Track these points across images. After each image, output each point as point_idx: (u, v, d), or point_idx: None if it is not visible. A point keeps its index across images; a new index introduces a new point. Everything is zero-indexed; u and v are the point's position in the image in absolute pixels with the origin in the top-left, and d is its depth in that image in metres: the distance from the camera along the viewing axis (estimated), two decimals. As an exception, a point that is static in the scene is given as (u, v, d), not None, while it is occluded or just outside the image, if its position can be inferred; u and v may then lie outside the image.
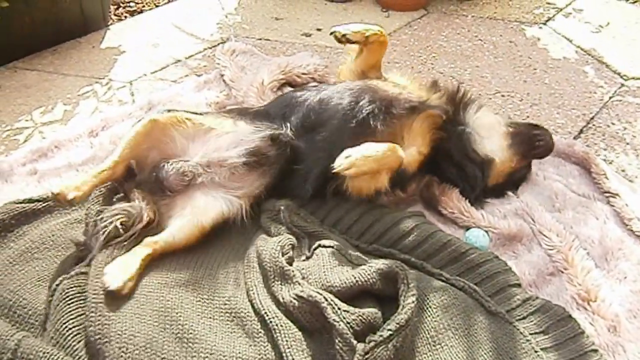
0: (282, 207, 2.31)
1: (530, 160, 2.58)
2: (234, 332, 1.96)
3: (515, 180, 2.57)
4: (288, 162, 2.34)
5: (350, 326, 1.83)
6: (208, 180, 2.28)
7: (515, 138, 2.49)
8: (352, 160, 2.16)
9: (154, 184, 2.30)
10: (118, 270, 1.99)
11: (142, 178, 2.33)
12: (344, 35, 2.49)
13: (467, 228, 2.39)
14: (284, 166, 2.35)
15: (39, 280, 2.11)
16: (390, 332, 1.80)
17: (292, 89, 3.10)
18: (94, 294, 1.90)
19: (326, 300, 1.87)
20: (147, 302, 1.97)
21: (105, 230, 2.09)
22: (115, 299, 1.93)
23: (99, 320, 1.84)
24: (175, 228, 2.22)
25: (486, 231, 2.34)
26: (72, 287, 1.95)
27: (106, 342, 1.81)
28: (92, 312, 1.86)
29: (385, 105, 2.33)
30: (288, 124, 2.37)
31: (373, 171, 2.23)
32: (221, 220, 2.28)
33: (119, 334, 1.83)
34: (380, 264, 1.99)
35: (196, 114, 2.39)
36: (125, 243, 2.13)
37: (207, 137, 2.32)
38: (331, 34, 2.50)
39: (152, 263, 2.12)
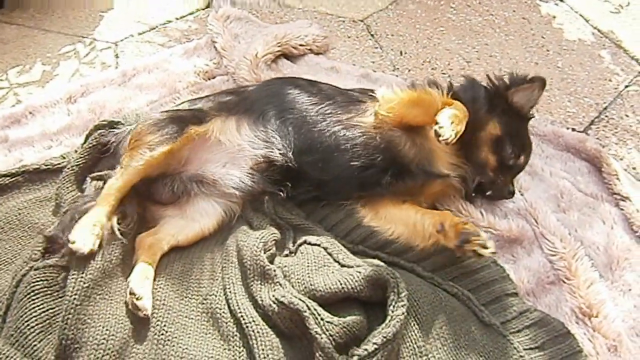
0: (267, 197, 2.15)
1: None
2: (209, 333, 1.83)
3: None
4: (284, 187, 2.15)
5: (334, 339, 1.69)
6: (201, 196, 2.15)
7: None
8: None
9: (140, 194, 2.13)
10: (143, 284, 1.86)
11: None
12: None
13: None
14: (281, 192, 2.16)
15: (1, 264, 1.97)
16: (375, 347, 1.67)
17: (287, 61, 2.92)
18: (75, 295, 1.74)
19: (309, 309, 1.74)
20: (125, 302, 1.84)
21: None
22: (94, 300, 1.78)
23: (74, 324, 1.70)
24: (177, 230, 2.09)
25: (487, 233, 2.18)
26: (39, 281, 1.80)
27: (77, 347, 1.69)
28: (69, 314, 1.71)
29: (400, 171, 2.10)
30: (288, 145, 2.12)
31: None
32: (221, 221, 2.15)
33: (92, 338, 1.70)
34: (369, 270, 1.84)
35: (201, 116, 2.16)
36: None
37: (208, 144, 2.14)
38: None
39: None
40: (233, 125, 2.15)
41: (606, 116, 2.84)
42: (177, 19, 3.31)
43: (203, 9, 3.37)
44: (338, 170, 2.09)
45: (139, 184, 2.06)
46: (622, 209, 2.31)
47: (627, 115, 2.85)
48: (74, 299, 1.74)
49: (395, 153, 2.10)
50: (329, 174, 2.10)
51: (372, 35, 3.26)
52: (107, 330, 1.73)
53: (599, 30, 3.41)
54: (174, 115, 2.16)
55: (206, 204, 2.13)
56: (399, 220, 2.07)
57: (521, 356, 1.83)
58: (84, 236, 1.84)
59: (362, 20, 3.36)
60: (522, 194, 2.35)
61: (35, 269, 1.83)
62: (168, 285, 1.93)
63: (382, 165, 2.08)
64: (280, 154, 2.10)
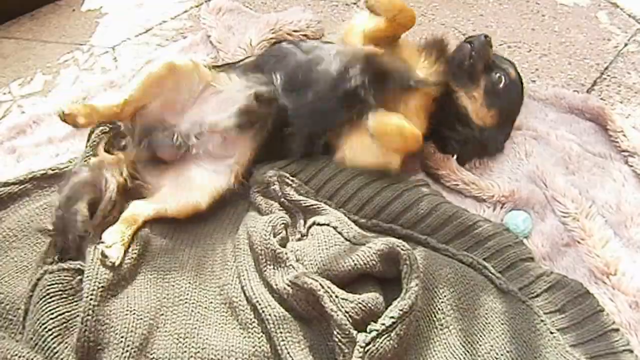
0: (272, 179, 2.13)
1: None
2: (228, 323, 1.83)
3: None
4: (277, 121, 2.18)
5: (350, 315, 1.69)
6: (202, 151, 2.17)
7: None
8: None
9: (144, 152, 2.17)
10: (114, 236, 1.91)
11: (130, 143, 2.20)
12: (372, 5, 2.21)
13: (510, 210, 2.19)
14: (274, 126, 2.19)
15: (17, 272, 1.97)
16: (393, 320, 1.67)
17: (284, 47, 2.92)
18: (92, 296, 1.76)
19: (322, 287, 1.73)
20: (142, 297, 1.84)
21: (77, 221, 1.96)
22: (111, 297, 1.80)
23: (94, 326, 1.72)
24: (167, 198, 2.10)
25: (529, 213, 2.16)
26: (53, 284, 1.81)
27: (100, 349, 1.71)
28: (87, 316, 1.72)
29: (379, 78, 2.13)
30: (277, 78, 2.20)
31: None
32: (217, 196, 2.15)
33: (113, 338, 1.72)
34: (380, 244, 1.84)
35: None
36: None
37: (204, 96, 2.17)
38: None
39: (144, 247, 1.99)
40: (225, 76, 2.21)
41: (608, 76, 2.82)
42: (171, 18, 3.30)
43: (196, 6, 3.37)
44: (318, 84, 2.14)
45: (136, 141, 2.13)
46: (631, 166, 2.28)
47: (629, 73, 2.82)
48: (91, 299, 1.75)
49: (368, 57, 2.16)
50: (311, 94, 2.14)
51: (365, 16, 3.24)
52: (125, 327, 1.74)
53: (593, -9, 3.37)
54: None
55: (202, 172, 2.15)
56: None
57: (542, 320, 1.81)
58: (73, 106, 1.97)
59: (354, 3, 3.34)
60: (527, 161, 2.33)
61: (50, 272, 1.85)
62: (184, 278, 1.94)
63: (358, 67, 2.12)
64: (268, 89, 2.17)
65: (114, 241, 1.88)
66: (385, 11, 2.18)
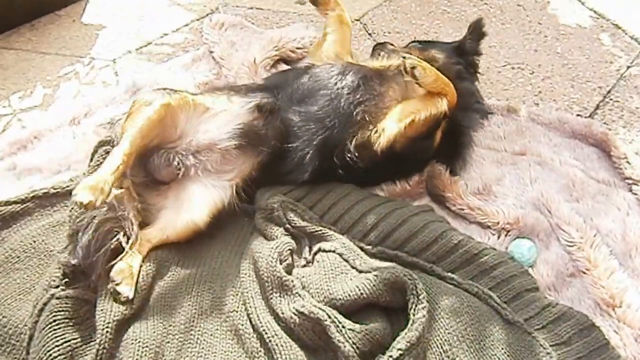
0: (276, 205, 2.12)
1: None
2: (234, 351, 1.83)
3: None
4: (280, 137, 2.18)
5: (357, 347, 1.69)
6: (200, 169, 2.13)
7: None
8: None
9: (141, 175, 2.14)
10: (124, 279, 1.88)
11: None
12: None
13: (515, 237, 2.19)
14: (277, 142, 2.18)
15: (20, 294, 1.96)
16: (400, 352, 1.67)
17: (286, 65, 2.91)
18: (106, 329, 1.76)
19: (329, 317, 1.73)
20: (148, 325, 1.83)
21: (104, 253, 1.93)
22: (124, 329, 1.80)
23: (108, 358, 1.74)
24: (167, 224, 2.08)
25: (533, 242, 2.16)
26: (60, 311, 1.80)
27: None
28: (103, 348, 1.74)
29: (374, 74, 2.29)
30: (279, 94, 2.27)
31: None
32: (215, 211, 2.13)
33: None
34: (386, 273, 1.83)
35: (195, 94, 2.24)
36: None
37: (202, 118, 2.15)
38: None
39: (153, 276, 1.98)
40: (224, 99, 2.22)
41: (611, 99, 2.83)
42: (172, 31, 3.28)
43: (198, 20, 3.35)
44: (325, 92, 2.24)
45: (138, 163, 2.09)
46: (635, 194, 2.29)
47: (631, 97, 2.83)
48: (107, 332, 1.75)
49: (359, 65, 2.37)
50: (320, 101, 2.23)
51: (369, 34, 3.24)
52: (130, 356, 1.73)
53: (595, 12, 3.38)
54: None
55: (201, 188, 2.12)
56: None
57: (548, 353, 1.80)
58: (86, 191, 1.81)
59: (358, 20, 3.34)
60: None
61: (57, 298, 1.83)
62: (189, 304, 1.93)
63: (354, 69, 2.31)
64: (270, 100, 2.23)
65: (124, 277, 1.87)
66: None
